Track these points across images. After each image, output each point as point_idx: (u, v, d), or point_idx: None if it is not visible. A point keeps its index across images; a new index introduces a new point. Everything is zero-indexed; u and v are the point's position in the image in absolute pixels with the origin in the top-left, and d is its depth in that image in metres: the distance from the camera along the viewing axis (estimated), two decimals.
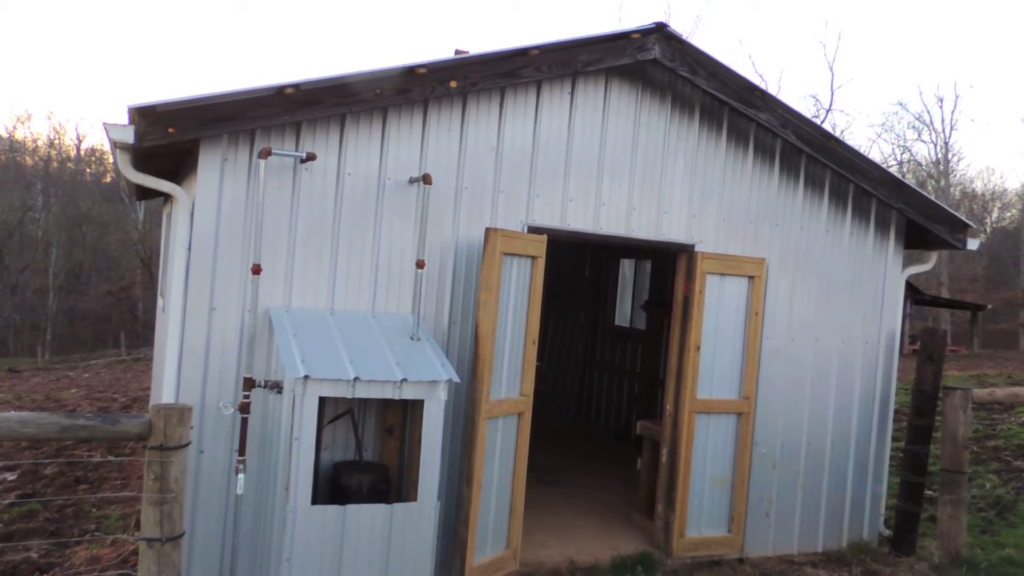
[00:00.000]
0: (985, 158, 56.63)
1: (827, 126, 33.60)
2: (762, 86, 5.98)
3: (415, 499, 4.32)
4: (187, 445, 3.54)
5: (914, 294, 25.92)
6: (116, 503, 6.44)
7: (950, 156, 42.70)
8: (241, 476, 4.34)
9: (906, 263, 6.74)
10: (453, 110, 5.11)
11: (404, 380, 4.23)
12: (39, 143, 42.08)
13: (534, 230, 5.34)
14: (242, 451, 4.40)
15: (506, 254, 4.98)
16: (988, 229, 44.13)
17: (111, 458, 7.69)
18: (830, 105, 37.92)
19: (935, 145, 42.98)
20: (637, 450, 7.31)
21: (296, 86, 4.47)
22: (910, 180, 37.42)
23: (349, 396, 4.13)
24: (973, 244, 6.59)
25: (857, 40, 56.26)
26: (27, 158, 40.62)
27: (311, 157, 4.62)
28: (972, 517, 7.12)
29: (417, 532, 4.26)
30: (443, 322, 5.11)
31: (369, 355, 4.38)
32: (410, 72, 4.75)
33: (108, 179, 39.79)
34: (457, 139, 5.13)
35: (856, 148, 6.30)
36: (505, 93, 5.25)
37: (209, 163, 4.53)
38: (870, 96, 55.56)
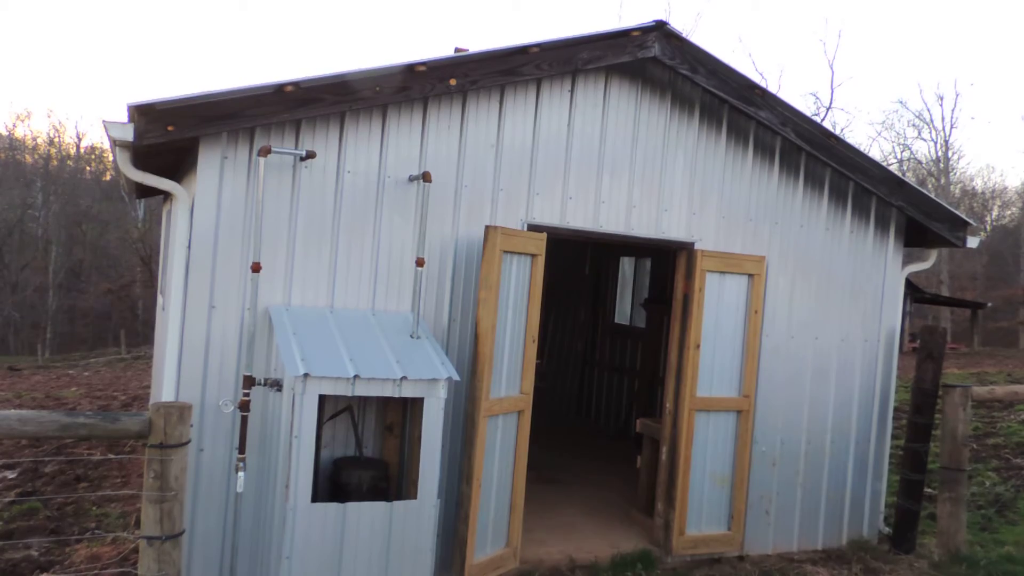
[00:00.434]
0: (985, 156, 56.75)
1: (827, 124, 33.58)
2: (762, 84, 5.97)
3: (415, 497, 4.32)
4: (187, 443, 3.54)
5: (914, 292, 25.92)
6: (116, 501, 6.45)
7: (950, 154, 42.70)
8: (241, 474, 4.34)
9: (906, 261, 6.74)
10: (453, 108, 5.11)
11: (404, 378, 4.23)
12: (39, 141, 42.11)
13: (534, 228, 5.34)
14: (242, 449, 4.41)
15: (506, 252, 4.98)
16: (988, 227, 44.13)
17: (111, 456, 7.70)
18: (830, 103, 37.95)
19: (935, 143, 42.98)
20: (637, 448, 7.31)
21: (296, 84, 4.47)
22: (910, 178, 37.44)
23: (349, 394, 4.13)
24: (973, 242, 6.59)
25: (857, 38, 56.25)
26: (27, 156, 40.61)
27: (311, 155, 4.62)
28: (972, 514, 7.12)
29: (417, 530, 4.27)
30: (443, 320, 5.11)
31: (369, 353, 4.38)
32: (410, 70, 4.74)
33: (108, 177, 39.79)
34: (457, 137, 5.13)
35: (856, 146, 6.29)
36: (505, 91, 5.24)
37: (209, 161, 4.53)
38: (870, 94, 55.57)
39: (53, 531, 5.68)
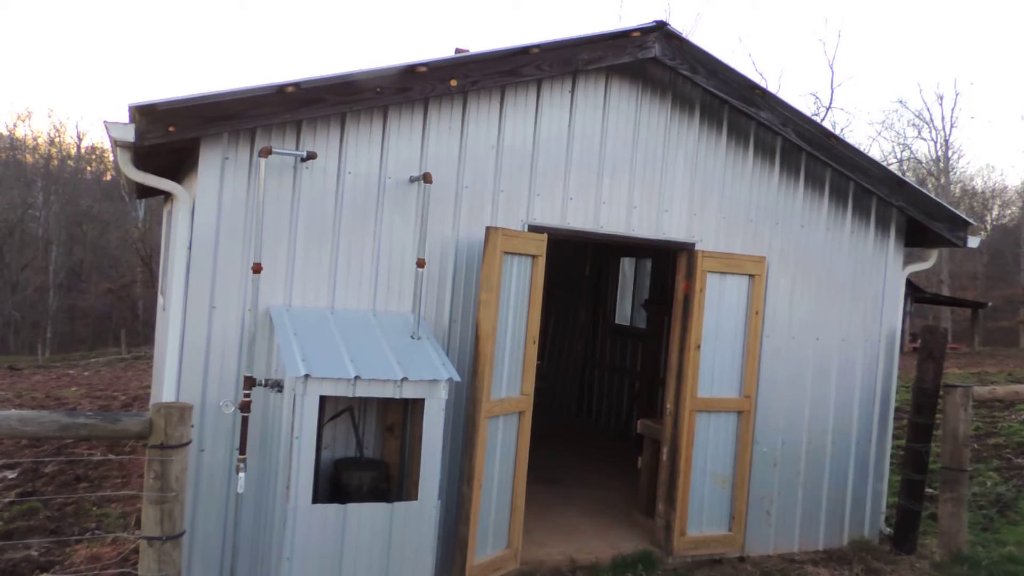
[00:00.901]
0: (985, 155, 56.72)
1: (827, 124, 33.59)
2: (762, 84, 5.97)
3: (416, 498, 4.32)
4: (188, 444, 3.54)
5: (914, 292, 25.92)
6: (116, 501, 6.45)
7: (950, 153, 42.69)
8: (242, 475, 4.34)
9: (906, 261, 6.73)
10: (454, 109, 5.11)
11: (405, 379, 4.23)
12: (39, 141, 42.11)
13: (534, 229, 5.34)
14: (243, 450, 4.41)
15: (507, 253, 4.97)
16: (988, 226, 44.12)
17: (111, 456, 7.69)
18: (830, 103, 37.92)
19: (935, 143, 42.98)
20: (637, 449, 7.31)
21: (297, 85, 4.47)
22: (910, 178, 37.36)
23: (350, 395, 4.13)
24: (973, 242, 6.59)
25: (857, 38, 56.22)
26: (27, 156, 40.62)
27: (311, 156, 4.62)
28: (973, 515, 7.12)
29: (418, 531, 4.26)
30: (444, 321, 5.11)
31: (370, 354, 4.38)
32: (410, 71, 4.74)
33: (108, 177, 39.80)
34: (457, 138, 5.13)
35: (856, 146, 6.29)
36: (505, 92, 5.24)
37: (210, 162, 4.52)
38: (870, 94, 55.55)
39: (53, 531, 5.68)
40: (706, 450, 5.84)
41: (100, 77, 61.26)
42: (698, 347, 5.75)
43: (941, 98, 57.62)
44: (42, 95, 56.93)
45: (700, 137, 5.87)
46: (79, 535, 5.61)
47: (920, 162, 43.36)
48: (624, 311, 10.66)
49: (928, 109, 62.81)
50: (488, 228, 4.87)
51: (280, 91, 4.44)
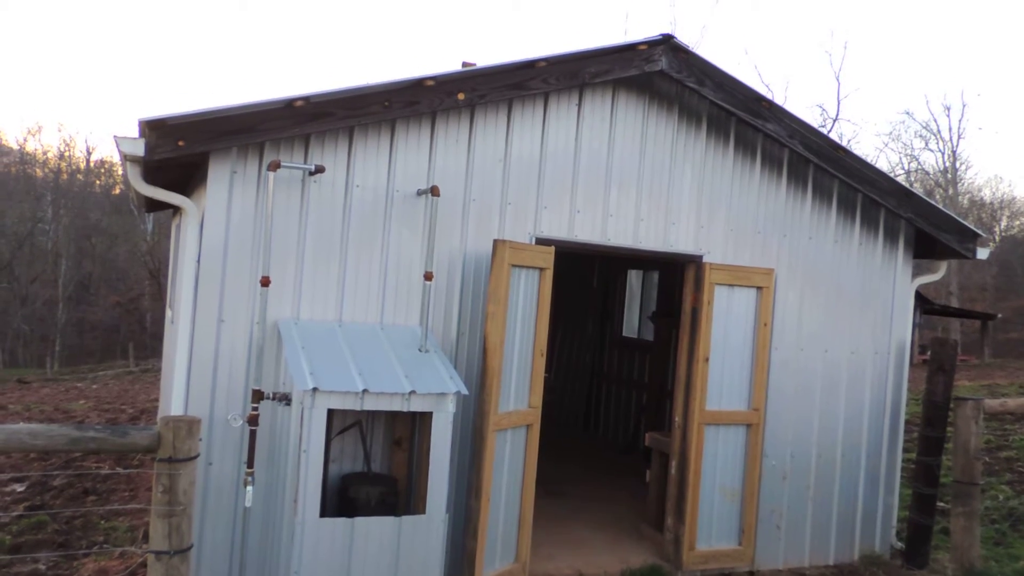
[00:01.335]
0: (993, 166, 56.54)
1: (834, 136, 33.57)
2: (768, 96, 5.97)
3: (423, 511, 4.31)
4: (196, 457, 3.54)
5: (923, 304, 25.80)
6: (124, 515, 6.44)
7: (958, 165, 42.56)
8: (249, 488, 4.34)
9: (915, 273, 6.71)
10: (461, 122, 5.13)
11: (412, 392, 4.22)
12: (49, 155, 42.46)
13: (542, 242, 5.34)
14: (251, 463, 4.40)
15: (514, 266, 4.97)
16: (997, 238, 43.91)
17: (119, 470, 7.70)
18: (837, 115, 37.83)
19: (943, 154, 42.85)
20: (646, 462, 7.28)
21: (306, 99, 4.49)
22: (918, 189, 37.27)
23: (358, 408, 4.13)
24: (983, 253, 6.56)
25: (863, 49, 56.21)
26: (37, 170, 40.93)
27: (320, 169, 4.64)
28: (985, 529, 7.05)
29: (426, 545, 4.25)
30: (451, 334, 5.10)
31: (377, 367, 4.37)
32: (419, 84, 4.76)
33: (117, 191, 40.06)
34: (465, 151, 5.14)
35: (863, 158, 6.28)
36: (513, 105, 5.26)
37: (219, 175, 4.55)
38: (877, 105, 55.49)
39: (61, 545, 5.68)
40: (715, 463, 5.81)
41: (109, 92, 61.77)
42: (706, 359, 5.73)
43: (948, 109, 57.47)
44: (52, 110, 57.51)
45: (707, 149, 5.87)
46: (87, 549, 5.61)
47: (928, 173, 43.27)
48: (632, 323, 10.64)
49: (935, 120, 62.86)
50: (495, 241, 4.88)
51: (289, 105, 4.47)
